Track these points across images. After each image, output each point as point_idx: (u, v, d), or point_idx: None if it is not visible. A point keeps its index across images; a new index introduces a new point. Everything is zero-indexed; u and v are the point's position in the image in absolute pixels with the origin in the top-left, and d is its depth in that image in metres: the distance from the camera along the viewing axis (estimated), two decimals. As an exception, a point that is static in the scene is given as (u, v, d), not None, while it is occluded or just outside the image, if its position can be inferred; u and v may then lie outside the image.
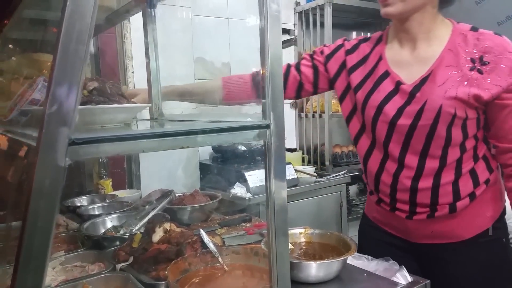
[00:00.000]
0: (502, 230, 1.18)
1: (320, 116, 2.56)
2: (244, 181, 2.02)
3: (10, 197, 1.40)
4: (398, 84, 1.11)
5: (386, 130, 1.13)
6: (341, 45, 1.26)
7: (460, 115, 1.05)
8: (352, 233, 2.56)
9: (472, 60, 1.06)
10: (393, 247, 1.24)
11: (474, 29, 1.10)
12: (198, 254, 1.04)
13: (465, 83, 1.04)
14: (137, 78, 2.13)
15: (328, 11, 2.40)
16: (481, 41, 1.06)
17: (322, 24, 2.47)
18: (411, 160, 1.12)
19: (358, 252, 1.13)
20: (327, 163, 2.52)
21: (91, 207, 1.65)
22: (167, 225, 1.23)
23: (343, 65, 1.23)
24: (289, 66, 1.31)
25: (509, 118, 1.07)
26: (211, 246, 1.06)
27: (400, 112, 1.09)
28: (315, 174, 2.33)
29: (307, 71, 1.28)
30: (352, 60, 1.21)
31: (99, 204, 1.68)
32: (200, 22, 2.28)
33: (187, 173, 2.23)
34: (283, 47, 2.54)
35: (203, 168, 2.29)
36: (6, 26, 1.57)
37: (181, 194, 1.68)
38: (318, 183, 2.26)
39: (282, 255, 0.81)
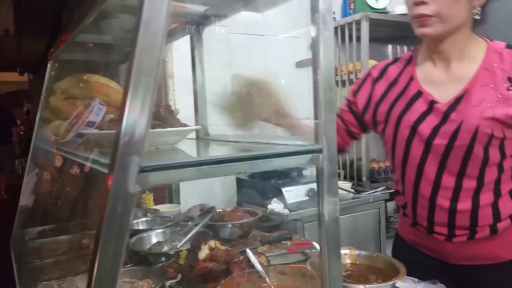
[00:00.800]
0: None
1: (356, 131, 2.54)
2: (281, 197, 2.03)
3: (64, 212, 1.46)
4: (432, 103, 1.09)
5: (422, 150, 1.11)
6: (368, 75, 1.26)
7: (497, 135, 1.03)
8: (390, 251, 2.51)
9: (510, 79, 1.03)
10: (430, 269, 1.21)
11: (509, 46, 1.08)
12: (245, 274, 1.06)
13: (503, 103, 1.02)
14: (177, 96, 2.19)
15: (365, 26, 2.40)
16: None
17: (358, 39, 2.47)
18: (448, 180, 1.09)
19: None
20: (364, 178, 2.50)
21: (135, 221, 1.69)
22: (212, 243, 1.25)
23: (370, 95, 1.23)
24: None
25: None
26: (258, 266, 1.07)
27: (435, 131, 1.08)
28: (353, 190, 2.31)
29: (348, 116, 1.29)
30: (380, 88, 1.20)
31: (143, 219, 1.73)
32: (237, 39, 2.33)
33: (225, 188, 2.26)
34: (319, 63, 2.55)
35: (240, 183, 2.31)
36: (59, 48, 1.66)
37: (221, 210, 1.70)
38: (356, 200, 2.24)
39: (335, 281, 0.81)
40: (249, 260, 1.11)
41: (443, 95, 1.09)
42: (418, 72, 1.15)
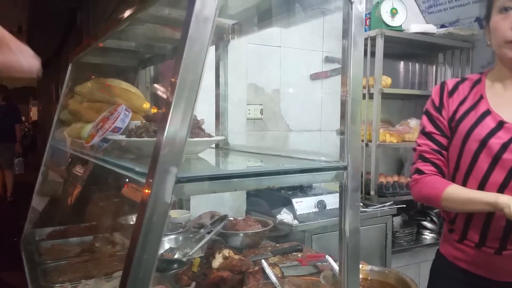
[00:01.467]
0: None
1: (367, 145, 2.55)
2: (291, 207, 2.04)
3: (79, 214, 1.48)
4: (501, 123, 1.14)
5: (488, 164, 1.14)
6: (442, 94, 1.26)
7: None
8: (395, 265, 2.52)
9: None
10: (474, 287, 1.22)
11: None
12: (260, 285, 1.07)
13: None
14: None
15: (380, 42, 2.43)
16: None
17: (372, 54, 2.49)
18: (510, 194, 1.09)
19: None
20: (372, 192, 2.51)
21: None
22: (226, 252, 1.26)
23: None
24: (422, 173, 1.25)
25: None
26: (272, 278, 1.09)
27: (505, 147, 1.11)
28: (361, 204, 2.32)
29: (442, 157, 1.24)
30: (452, 105, 1.23)
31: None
32: (254, 50, 2.35)
33: (234, 196, 2.27)
34: (333, 75, 2.58)
35: (250, 192, 2.32)
36: (81, 52, 1.69)
37: (232, 218, 1.71)
38: (363, 213, 2.25)
39: (353, 295, 0.82)
40: (263, 271, 1.12)
41: (510, 116, 1.14)
42: (488, 92, 1.20)
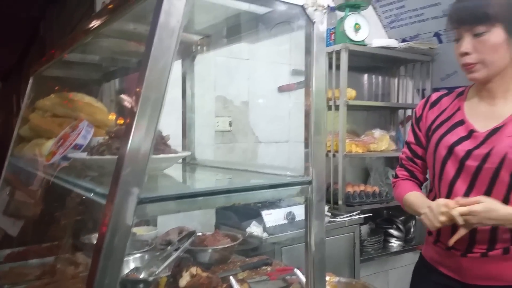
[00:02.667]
0: None
1: (334, 155, 2.60)
2: (260, 220, 2.04)
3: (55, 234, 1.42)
4: (471, 131, 1.22)
5: (455, 170, 1.22)
6: (427, 101, 1.37)
7: None
8: (364, 274, 2.55)
9: None
10: None
11: None
12: (228, 302, 1.06)
13: None
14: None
15: (344, 56, 2.49)
16: None
17: (337, 67, 2.55)
18: None
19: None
20: (340, 202, 2.54)
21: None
22: (193, 269, 1.24)
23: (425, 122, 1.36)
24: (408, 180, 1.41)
25: None
26: (241, 293, 1.07)
27: (469, 153, 1.19)
28: (329, 214, 2.35)
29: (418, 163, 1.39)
30: (432, 115, 1.33)
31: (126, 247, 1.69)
32: (223, 63, 2.36)
33: (204, 211, 2.24)
34: (298, 88, 2.62)
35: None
36: (43, 64, 1.64)
37: (200, 234, 1.69)
38: (332, 223, 2.27)
39: (321, 309, 0.83)
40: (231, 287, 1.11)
41: (484, 127, 1.22)
42: (466, 105, 1.29)
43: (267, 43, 2.50)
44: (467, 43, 1.17)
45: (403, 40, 2.94)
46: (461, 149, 1.21)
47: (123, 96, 1.93)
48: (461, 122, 1.25)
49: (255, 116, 2.53)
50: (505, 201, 1.15)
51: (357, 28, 2.50)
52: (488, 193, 1.17)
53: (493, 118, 1.22)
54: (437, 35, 2.84)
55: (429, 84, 2.98)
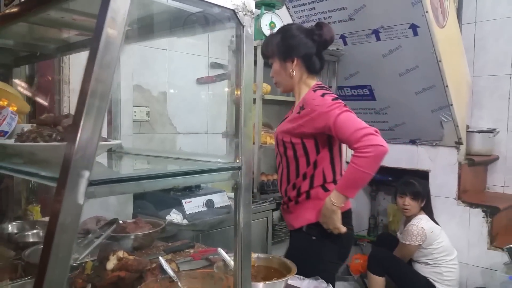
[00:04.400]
0: (315, 230, 1.66)
1: (248, 146, 2.74)
2: (180, 208, 2.10)
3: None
4: (284, 119, 1.87)
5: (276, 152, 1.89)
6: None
7: (286, 140, 1.73)
8: (274, 254, 2.76)
9: (301, 107, 1.68)
10: None
11: (315, 90, 1.69)
12: (158, 280, 1.13)
13: (291, 122, 1.71)
14: (72, 104, 2.12)
15: (259, 52, 2.64)
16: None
17: (254, 63, 2.69)
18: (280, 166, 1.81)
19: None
20: (255, 190, 2.71)
21: (27, 233, 1.60)
22: (120, 253, 1.28)
23: None
24: None
25: None
26: (170, 272, 1.15)
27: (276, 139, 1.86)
28: (245, 201, 2.49)
29: None
30: None
31: (34, 231, 1.64)
32: (140, 52, 2.35)
33: (120, 199, 2.24)
34: (217, 81, 2.71)
35: (138, 194, 2.31)
36: None
37: (122, 222, 1.71)
38: (247, 210, 2.42)
39: (246, 278, 0.95)
40: (161, 267, 1.19)
41: None
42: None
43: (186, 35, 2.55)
44: (272, 70, 1.78)
45: (313, 40, 3.19)
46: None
47: (38, 83, 1.84)
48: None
49: (174, 107, 2.57)
50: (288, 166, 1.72)
51: (272, 26, 2.67)
52: (282, 164, 1.76)
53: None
54: (342, 37, 3.14)
55: (334, 82, 3.27)
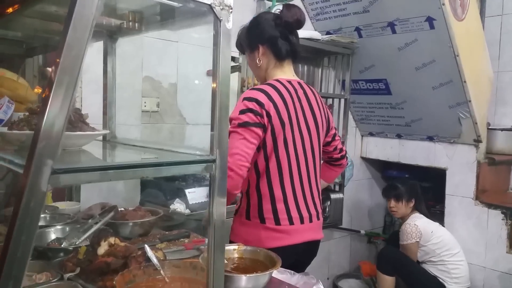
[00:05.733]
0: None
1: (258, 139, 2.76)
2: (184, 197, 2.15)
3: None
4: None
5: None
6: None
7: None
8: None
9: None
10: None
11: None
12: (142, 267, 1.17)
13: None
14: (85, 93, 2.18)
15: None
16: None
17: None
18: None
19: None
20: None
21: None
22: (111, 239, 1.33)
23: None
24: None
25: None
26: (154, 260, 1.19)
27: None
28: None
29: None
30: None
31: (41, 215, 1.72)
32: (151, 43, 2.40)
33: (128, 187, 2.30)
34: (228, 73, 2.72)
35: (144, 183, 2.37)
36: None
37: (122, 209, 1.77)
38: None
39: (218, 270, 0.97)
40: (146, 255, 1.22)
41: None
42: None
43: (196, 27, 2.57)
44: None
45: (328, 33, 3.15)
46: None
47: (44, 73, 1.92)
48: None
49: (183, 98, 2.61)
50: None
51: (283, 19, 2.65)
52: None
53: None
54: (357, 29, 3.09)
55: (348, 75, 3.23)
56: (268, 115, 1.45)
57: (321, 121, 1.65)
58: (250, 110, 1.43)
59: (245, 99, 1.46)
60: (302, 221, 1.55)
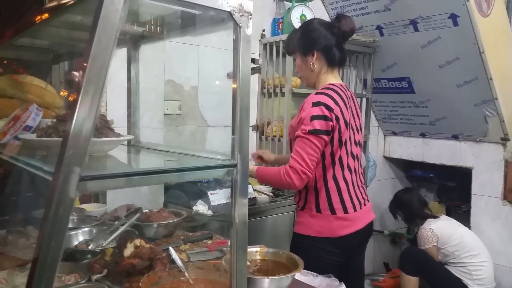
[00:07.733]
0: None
1: (279, 140, 2.77)
2: (206, 199, 2.17)
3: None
4: None
5: None
6: None
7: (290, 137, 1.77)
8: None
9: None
10: None
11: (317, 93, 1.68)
12: (167, 269, 1.19)
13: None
14: (109, 97, 2.23)
15: (291, 46, 2.63)
16: None
17: (284, 55, 2.70)
18: None
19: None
20: (283, 184, 2.72)
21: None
22: (137, 241, 1.36)
23: None
24: None
25: None
26: (178, 262, 1.21)
27: None
28: (272, 194, 2.52)
29: None
30: None
31: (70, 218, 1.77)
32: (173, 48, 2.43)
33: (152, 189, 2.34)
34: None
35: (168, 185, 2.41)
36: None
37: (147, 210, 1.81)
38: (274, 203, 2.45)
39: (241, 272, 0.98)
40: (171, 257, 1.25)
41: None
42: None
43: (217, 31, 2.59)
44: (296, 65, 1.81)
45: (348, 32, 3.12)
46: None
47: (70, 79, 1.98)
48: None
49: (204, 100, 2.64)
50: None
51: (303, 19, 2.64)
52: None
53: None
54: (379, 28, 3.05)
55: (370, 74, 3.20)
56: (337, 118, 1.61)
57: (358, 120, 1.83)
58: (320, 116, 1.59)
59: (314, 104, 1.60)
60: (361, 207, 1.74)
